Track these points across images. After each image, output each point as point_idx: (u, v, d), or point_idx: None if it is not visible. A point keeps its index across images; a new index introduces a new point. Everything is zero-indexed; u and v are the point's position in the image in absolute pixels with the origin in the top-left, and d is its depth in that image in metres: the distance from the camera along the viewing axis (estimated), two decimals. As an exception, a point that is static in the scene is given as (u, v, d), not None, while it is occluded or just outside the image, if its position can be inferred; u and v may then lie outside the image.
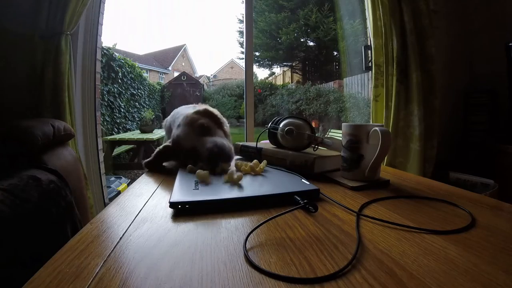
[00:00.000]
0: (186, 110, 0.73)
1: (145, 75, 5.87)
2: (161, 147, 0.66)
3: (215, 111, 0.71)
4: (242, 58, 5.34)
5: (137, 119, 4.65)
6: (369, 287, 0.23)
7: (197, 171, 0.50)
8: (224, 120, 0.72)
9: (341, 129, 0.59)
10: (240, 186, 0.47)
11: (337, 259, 0.27)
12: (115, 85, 4.05)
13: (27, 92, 1.24)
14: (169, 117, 0.83)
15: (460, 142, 1.81)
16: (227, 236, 0.32)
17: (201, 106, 0.72)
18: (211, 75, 12.58)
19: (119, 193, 2.09)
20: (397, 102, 1.50)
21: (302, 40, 7.79)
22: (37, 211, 0.68)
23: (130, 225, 0.35)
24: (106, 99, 3.81)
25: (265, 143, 0.75)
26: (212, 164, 0.56)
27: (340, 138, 0.59)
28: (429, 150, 1.52)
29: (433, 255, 0.28)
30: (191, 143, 0.61)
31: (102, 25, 1.48)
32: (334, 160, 0.63)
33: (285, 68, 8.77)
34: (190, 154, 0.61)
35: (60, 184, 0.83)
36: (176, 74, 9.61)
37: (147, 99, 5.39)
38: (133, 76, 4.66)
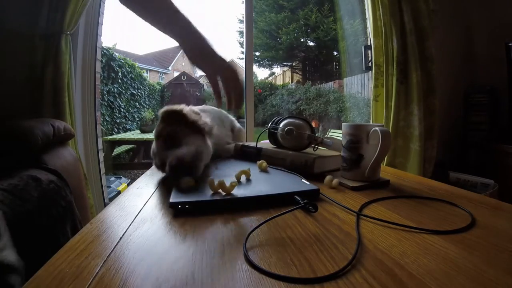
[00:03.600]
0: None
1: (145, 75, 5.87)
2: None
3: (183, 109, 0.57)
4: (242, 58, 5.34)
5: (137, 119, 4.66)
6: (369, 287, 0.23)
7: (181, 179, 0.46)
8: (199, 115, 0.59)
9: (341, 129, 0.59)
10: (239, 187, 0.47)
11: (337, 259, 0.27)
12: (115, 85, 4.06)
13: (27, 92, 1.24)
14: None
15: (460, 142, 1.81)
16: (227, 236, 0.32)
17: (171, 108, 0.58)
18: (211, 75, 12.53)
19: (119, 193, 2.09)
20: (397, 102, 1.50)
21: (302, 40, 7.79)
22: (37, 211, 0.68)
23: (130, 225, 0.35)
24: (106, 99, 3.82)
25: (265, 143, 0.75)
26: (175, 179, 0.48)
27: (340, 138, 0.59)
28: (429, 150, 1.52)
29: (433, 255, 0.28)
30: (162, 158, 0.54)
31: (102, 25, 1.49)
32: (334, 160, 0.63)
33: (285, 68, 8.76)
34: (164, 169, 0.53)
35: (60, 184, 0.83)
36: (176, 74, 9.59)
37: (147, 99, 5.39)
38: (133, 76, 4.66)
